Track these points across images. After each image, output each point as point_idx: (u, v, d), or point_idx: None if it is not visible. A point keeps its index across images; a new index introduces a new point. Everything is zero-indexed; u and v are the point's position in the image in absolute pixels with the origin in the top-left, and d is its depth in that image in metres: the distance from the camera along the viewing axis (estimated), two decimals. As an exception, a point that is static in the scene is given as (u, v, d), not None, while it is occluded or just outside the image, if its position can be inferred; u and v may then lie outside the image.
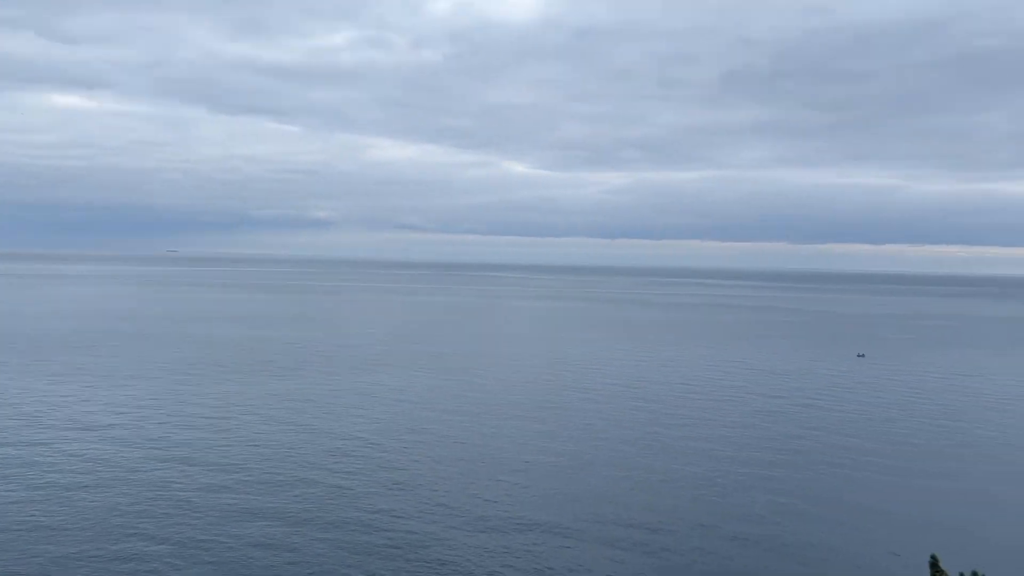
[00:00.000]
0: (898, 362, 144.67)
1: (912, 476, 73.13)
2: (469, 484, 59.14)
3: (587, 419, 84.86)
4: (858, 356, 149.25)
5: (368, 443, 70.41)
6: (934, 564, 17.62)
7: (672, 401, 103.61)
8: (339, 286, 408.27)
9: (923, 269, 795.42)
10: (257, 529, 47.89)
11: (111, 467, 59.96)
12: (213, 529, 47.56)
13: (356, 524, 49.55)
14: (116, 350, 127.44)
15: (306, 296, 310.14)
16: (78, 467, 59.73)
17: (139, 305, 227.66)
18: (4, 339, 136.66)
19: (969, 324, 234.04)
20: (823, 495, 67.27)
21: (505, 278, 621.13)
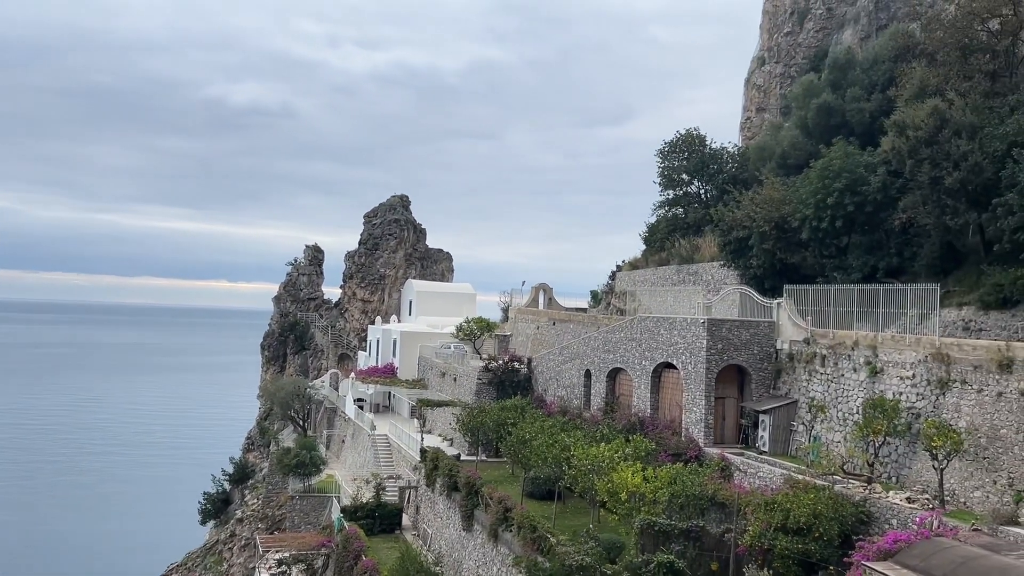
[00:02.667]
0: (15, 389, 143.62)
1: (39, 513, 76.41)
2: None
3: None
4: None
5: None
6: None
7: None
8: None
9: (41, 296, 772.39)
10: None
11: None
12: None
13: None
14: None
15: None
16: None
17: None
18: None
19: (87, 350, 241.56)
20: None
21: None
